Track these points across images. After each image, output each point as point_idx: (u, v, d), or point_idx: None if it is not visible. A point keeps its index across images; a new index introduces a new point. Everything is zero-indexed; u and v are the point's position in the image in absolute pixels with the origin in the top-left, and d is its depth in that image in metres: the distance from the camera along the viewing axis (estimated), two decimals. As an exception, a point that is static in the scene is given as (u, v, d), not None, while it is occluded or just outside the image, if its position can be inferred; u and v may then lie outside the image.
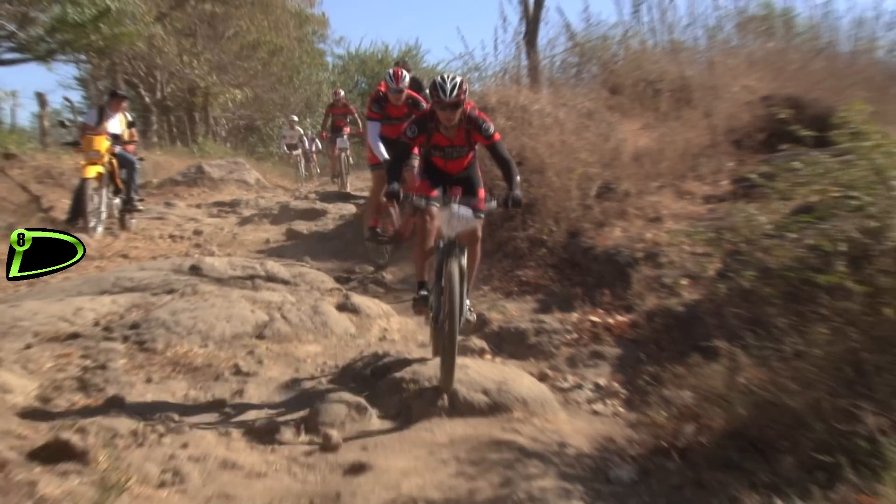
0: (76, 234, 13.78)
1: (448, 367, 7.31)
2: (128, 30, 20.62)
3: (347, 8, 66.49)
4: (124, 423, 7.16)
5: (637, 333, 8.82)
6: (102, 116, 16.12)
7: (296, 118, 26.16)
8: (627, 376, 8.26)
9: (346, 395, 7.74)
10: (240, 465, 6.71)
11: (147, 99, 28.77)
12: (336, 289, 11.33)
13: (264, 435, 7.24)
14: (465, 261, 7.69)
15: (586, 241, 10.59)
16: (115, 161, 15.58)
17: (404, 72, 10.98)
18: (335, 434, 7.17)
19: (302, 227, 16.79)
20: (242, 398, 7.83)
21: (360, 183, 22.28)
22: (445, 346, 7.32)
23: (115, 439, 6.83)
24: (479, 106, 8.11)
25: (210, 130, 30.34)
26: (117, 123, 15.97)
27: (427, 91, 10.77)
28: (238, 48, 31.02)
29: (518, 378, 7.96)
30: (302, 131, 25.09)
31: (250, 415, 7.55)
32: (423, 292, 8.20)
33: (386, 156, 10.93)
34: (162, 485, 6.28)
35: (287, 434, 7.27)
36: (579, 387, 8.18)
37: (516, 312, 9.78)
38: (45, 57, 20.87)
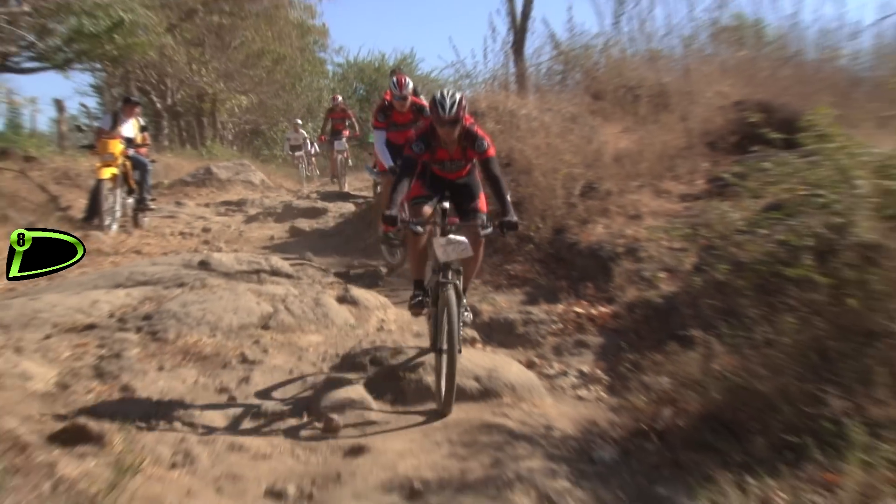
0: (92, 232, 13.93)
1: (449, 391, 7.07)
2: (140, 40, 20.60)
3: (346, 19, 66.42)
4: (138, 409, 7.18)
5: (618, 323, 8.84)
6: (116, 121, 16.10)
7: (300, 121, 26.12)
8: (609, 363, 8.27)
9: (346, 382, 7.76)
10: (246, 448, 6.72)
11: (158, 105, 28.73)
12: (336, 282, 11.33)
13: (269, 419, 7.26)
14: (460, 282, 7.49)
15: (571, 237, 10.60)
16: (128, 163, 15.58)
17: (407, 79, 10.92)
18: (336, 418, 7.19)
19: (304, 224, 16.79)
20: (249, 385, 7.82)
21: (358, 183, 22.29)
22: (446, 372, 7.05)
23: (130, 423, 6.82)
24: (472, 110, 8.01)
25: (217, 134, 30.33)
26: (131, 128, 15.98)
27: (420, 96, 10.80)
28: (244, 57, 30.98)
29: (507, 366, 7.97)
30: (306, 134, 25.06)
31: (256, 400, 7.56)
32: (419, 293, 7.94)
33: (391, 162, 10.86)
34: (173, 466, 6.29)
35: (291, 418, 7.29)
36: (564, 374, 8.19)
37: (505, 304, 9.79)
38: (62, 66, 20.83)
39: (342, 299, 10.21)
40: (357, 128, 24.08)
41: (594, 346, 8.63)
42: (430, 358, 7.96)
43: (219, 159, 24.94)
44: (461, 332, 7.34)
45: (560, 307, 9.35)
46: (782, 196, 7.71)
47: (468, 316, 8.17)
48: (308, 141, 25.41)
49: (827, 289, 6.54)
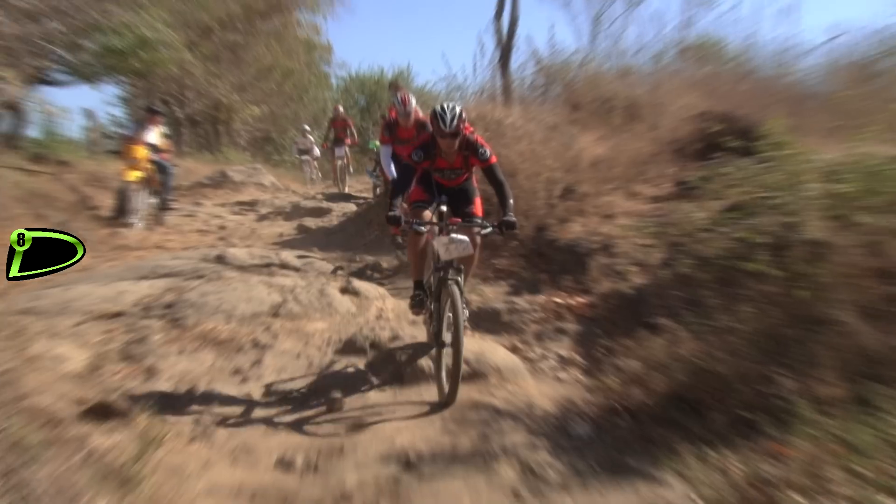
0: (119, 229, 13.94)
1: (453, 384, 6.78)
2: (162, 56, 20.67)
3: (348, 36, 66.44)
4: (161, 388, 7.23)
5: (594, 312, 8.86)
6: (141, 129, 16.20)
7: (308, 127, 26.08)
8: (585, 348, 8.29)
9: (348, 365, 7.81)
10: (258, 423, 6.77)
11: (179, 114, 28.66)
12: (339, 275, 11.34)
13: (279, 398, 7.30)
14: (461, 279, 7.16)
15: (551, 235, 10.61)
16: (152, 167, 15.63)
17: (411, 96, 10.87)
18: (339, 397, 7.23)
19: (310, 223, 16.78)
20: (260, 367, 7.85)
21: (359, 185, 22.27)
22: (453, 365, 6.76)
23: (154, 401, 6.85)
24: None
25: (232, 141, 30.24)
26: (154, 135, 16.02)
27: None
28: (256, 71, 30.93)
29: (493, 350, 8.00)
30: (313, 139, 25.06)
31: (267, 381, 7.59)
32: (419, 292, 7.71)
33: (395, 175, 10.83)
34: (193, 439, 6.33)
35: (298, 397, 7.34)
36: (545, 357, 8.21)
37: (492, 295, 9.80)
38: (92, 79, 20.97)
39: (345, 290, 10.22)
40: (356, 135, 24.09)
41: (572, 333, 8.65)
42: (420, 337, 8.00)
43: (233, 164, 24.90)
44: (465, 326, 7.09)
45: (541, 298, 9.36)
46: (741, 198, 7.76)
47: (465, 312, 7.83)
48: (315, 146, 25.41)
49: (780, 281, 6.62)
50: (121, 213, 14.89)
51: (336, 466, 6.01)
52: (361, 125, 29.69)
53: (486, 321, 8.99)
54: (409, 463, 6.03)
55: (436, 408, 7.02)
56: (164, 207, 16.27)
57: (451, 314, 6.80)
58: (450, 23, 67.12)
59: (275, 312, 9.23)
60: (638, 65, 16.23)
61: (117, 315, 8.93)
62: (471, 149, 7.29)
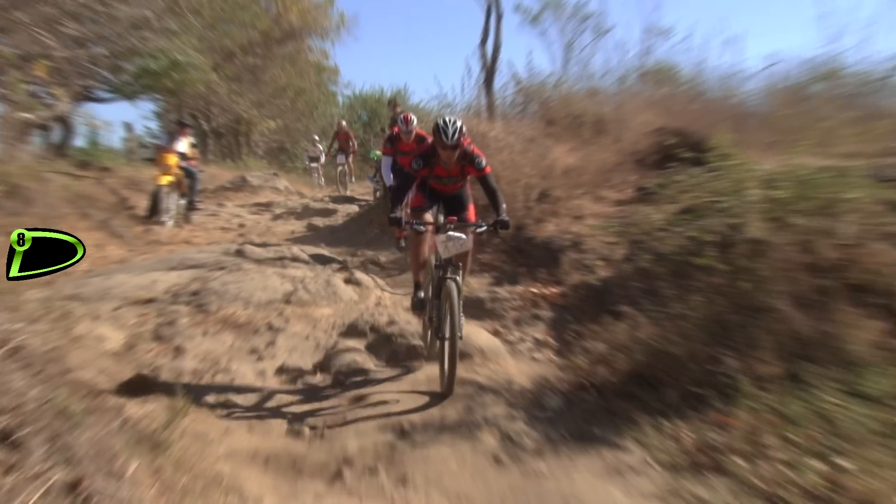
0: (152, 226, 13.94)
1: (451, 373, 6.50)
2: (191, 76, 20.70)
3: (354, 60, 66.55)
4: (187, 364, 7.25)
5: (565, 301, 8.85)
6: (172, 139, 16.27)
7: (317, 137, 26.05)
8: (558, 332, 8.29)
9: (350, 345, 7.81)
10: (272, 396, 6.78)
11: (205, 127, 28.62)
12: (343, 267, 11.32)
13: (290, 374, 7.30)
14: (460, 277, 6.82)
15: (529, 233, 10.59)
16: (181, 172, 15.64)
17: (412, 116, 10.85)
18: (343, 374, 7.24)
19: (318, 222, 16.75)
20: (274, 347, 7.84)
21: (361, 189, 22.26)
22: (448, 356, 6.49)
23: (181, 376, 6.88)
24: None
25: (251, 150, 30.22)
26: (183, 144, 16.04)
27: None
28: (272, 90, 30.86)
29: (478, 334, 8.00)
30: (322, 148, 25.03)
31: (280, 359, 7.59)
32: (420, 294, 7.34)
33: (391, 181, 10.79)
34: (215, 409, 6.33)
35: (307, 374, 7.34)
36: (522, 340, 8.20)
37: (476, 285, 9.77)
38: (131, 96, 21.06)
39: (348, 280, 10.21)
40: (356, 146, 24.24)
41: (546, 319, 8.65)
42: (416, 326, 8.00)
43: (252, 170, 24.84)
44: (461, 322, 6.74)
45: (520, 288, 9.36)
46: (692, 202, 7.78)
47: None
48: (323, 155, 25.37)
49: (725, 274, 6.65)
50: (154, 213, 14.94)
51: (339, 434, 6.03)
52: (363, 137, 29.60)
53: (472, 308, 8.97)
54: (403, 431, 6.06)
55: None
56: (191, 208, 16.28)
57: (449, 311, 6.52)
58: (441, 48, 67.28)
59: (287, 300, 9.23)
60: (604, 86, 16.24)
61: (150, 301, 8.99)
62: (468, 159, 7.01)
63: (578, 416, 6.36)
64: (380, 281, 10.47)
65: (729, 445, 5.39)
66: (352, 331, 8.27)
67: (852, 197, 6.71)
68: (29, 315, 5.57)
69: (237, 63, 27.14)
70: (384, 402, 6.68)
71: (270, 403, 6.67)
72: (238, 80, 28.89)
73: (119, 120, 53.45)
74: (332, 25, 29.55)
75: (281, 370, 7.38)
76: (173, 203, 15.44)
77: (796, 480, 4.93)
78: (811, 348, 6.03)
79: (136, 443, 4.87)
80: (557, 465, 5.53)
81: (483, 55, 18.13)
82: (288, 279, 9.85)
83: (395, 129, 11.10)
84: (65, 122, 19.77)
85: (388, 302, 9.53)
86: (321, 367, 7.49)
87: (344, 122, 25.28)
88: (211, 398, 6.58)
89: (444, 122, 6.72)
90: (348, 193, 21.65)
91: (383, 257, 11.77)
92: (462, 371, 6.96)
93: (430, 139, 10.02)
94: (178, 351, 7.59)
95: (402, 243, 11.17)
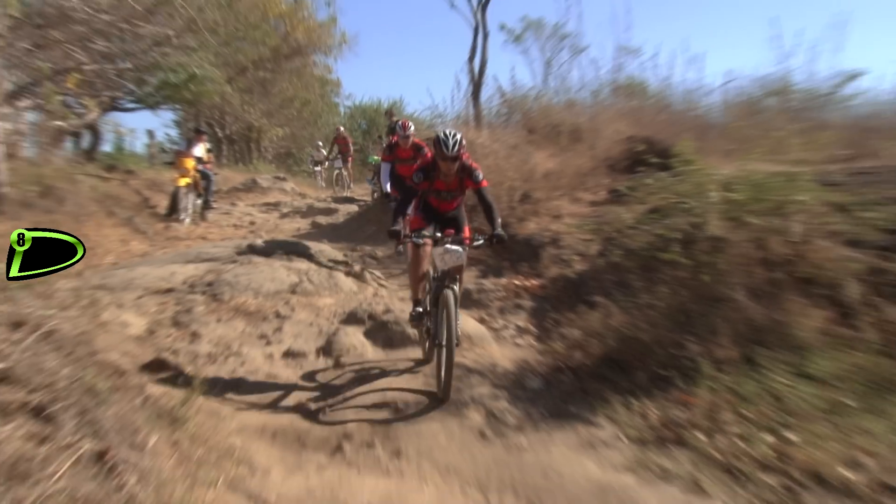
0: (172, 224, 13.93)
1: (448, 379, 6.09)
2: (208, 88, 20.70)
3: (354, 74, 66.64)
4: (202, 348, 7.25)
5: (544, 292, 8.86)
6: (190, 145, 16.36)
7: (321, 143, 25.98)
8: (538, 320, 8.30)
9: (350, 332, 7.81)
10: (279, 376, 6.81)
11: (219, 134, 28.55)
12: (344, 261, 11.31)
13: (295, 357, 7.31)
14: (457, 287, 6.47)
15: (511, 231, 10.52)
16: (198, 175, 15.65)
17: (410, 124, 10.79)
18: (343, 357, 7.27)
19: (322, 220, 16.72)
20: (281, 333, 7.83)
21: (360, 191, 22.22)
22: (445, 362, 6.09)
23: (197, 359, 6.90)
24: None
25: (261, 155, 30.15)
26: (200, 150, 16.08)
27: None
28: (280, 101, 30.76)
29: (465, 322, 7.96)
30: (325, 153, 25.00)
31: (286, 343, 7.58)
32: (419, 309, 6.92)
33: (388, 188, 10.75)
34: (227, 388, 6.34)
35: (311, 357, 7.35)
36: (506, 327, 8.20)
37: (465, 279, 9.78)
38: (153, 106, 21.10)
39: (348, 273, 10.22)
40: (351, 150, 24.25)
41: (527, 308, 8.66)
42: (407, 312, 8.01)
43: (261, 173, 24.77)
44: (458, 330, 6.33)
45: (503, 280, 9.37)
46: (659, 203, 7.79)
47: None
48: (326, 159, 25.34)
49: (688, 268, 6.68)
50: (173, 211, 14.95)
51: (339, 412, 6.05)
52: (363, 144, 29.56)
53: (460, 299, 8.99)
54: (397, 409, 6.09)
55: (420, 363, 7.06)
56: (206, 207, 16.26)
57: (446, 319, 6.17)
58: (433, 64, 67.32)
59: (293, 290, 9.22)
60: (580, 99, 16.25)
61: (169, 291, 8.98)
62: (466, 172, 6.63)
63: (556, 395, 6.39)
64: (377, 273, 10.46)
65: (690, 421, 5.44)
66: (351, 318, 8.27)
67: (800, 199, 6.75)
68: (60, 302, 5.58)
69: (249, 76, 27.06)
70: (380, 383, 6.70)
71: (277, 384, 6.66)
72: (250, 92, 28.84)
73: (142, 127, 53.46)
74: (334, 43, 29.43)
75: (287, 354, 7.38)
76: (191, 202, 15.44)
77: (750, 452, 4.99)
78: (764, 334, 6.08)
79: (157, 418, 4.89)
80: (537, 440, 5.56)
81: (471, 70, 18.24)
82: (294, 271, 9.82)
83: (395, 138, 11.03)
84: (94, 129, 19.99)
85: (384, 293, 9.53)
86: (323, 350, 7.48)
87: (342, 129, 25.25)
88: (224, 378, 6.59)
89: (445, 134, 6.41)
90: (348, 194, 21.62)
91: (380, 252, 11.76)
92: (451, 355, 6.98)
93: (426, 147, 10.04)
94: (195, 336, 7.58)
95: (400, 248, 11.02)
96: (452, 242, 6.36)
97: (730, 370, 5.83)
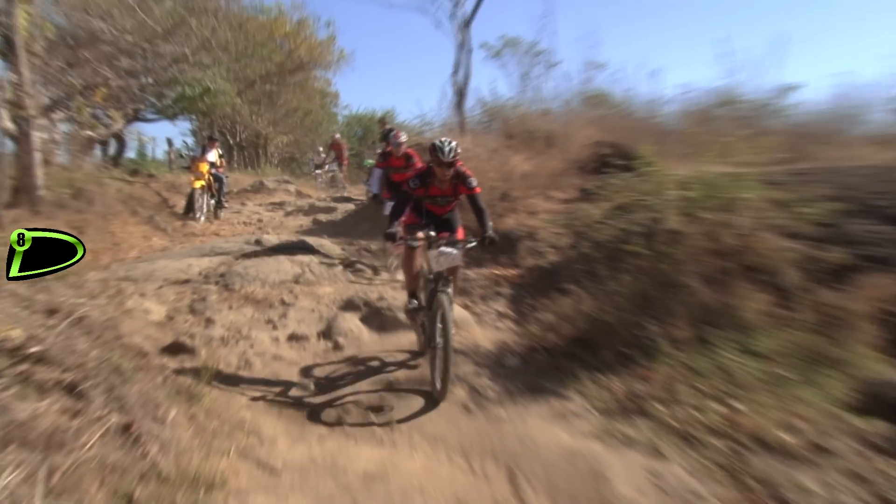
0: (188, 221, 13.90)
1: (444, 380, 5.69)
2: (220, 101, 20.81)
3: (351, 87, 66.55)
4: (216, 332, 7.23)
5: (522, 280, 8.87)
6: (204, 151, 16.29)
7: (321, 148, 25.92)
8: (516, 306, 8.31)
9: (348, 317, 7.81)
10: (284, 357, 6.79)
11: (231, 141, 28.45)
12: (343, 254, 11.28)
13: (299, 340, 7.29)
14: (451, 289, 6.09)
15: (492, 226, 10.59)
16: (211, 178, 15.64)
17: (403, 134, 10.72)
18: (342, 340, 7.25)
19: (322, 217, 16.64)
20: (286, 318, 7.82)
21: (356, 191, 22.11)
22: (441, 363, 5.74)
23: (211, 342, 6.88)
24: (429, 146, 7.59)
25: (268, 160, 30.06)
26: (213, 155, 16.06)
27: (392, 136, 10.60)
28: (285, 111, 30.69)
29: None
30: (325, 157, 24.93)
31: (290, 328, 7.57)
32: (414, 301, 6.65)
33: (377, 191, 10.64)
34: (238, 368, 6.36)
35: (312, 340, 7.33)
36: (487, 312, 8.21)
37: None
38: (172, 117, 21.30)
39: (345, 265, 10.21)
40: (346, 154, 24.41)
41: (506, 295, 8.67)
42: (401, 301, 8.01)
43: (268, 176, 24.64)
44: (452, 331, 5.90)
45: (485, 270, 9.36)
46: (623, 200, 7.83)
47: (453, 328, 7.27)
48: (329, 163, 25.27)
49: (649, 258, 6.72)
50: (189, 210, 14.95)
51: (338, 388, 6.06)
52: (359, 149, 29.52)
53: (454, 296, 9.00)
54: (390, 385, 6.10)
55: (414, 355, 6.91)
56: (219, 206, 16.21)
57: (441, 322, 5.82)
58: (422, 77, 67.24)
59: (296, 280, 9.21)
60: (553, 108, 16.24)
61: (186, 281, 8.98)
62: (461, 178, 6.35)
63: (532, 372, 6.42)
64: (372, 264, 10.45)
65: (650, 394, 5.49)
66: (349, 305, 8.26)
67: (746, 196, 6.83)
68: (90, 292, 5.59)
69: (257, 89, 27.01)
70: (375, 363, 6.73)
71: (282, 363, 6.66)
72: (258, 103, 28.80)
73: (162, 136, 53.37)
74: (333, 59, 29.39)
75: (292, 337, 7.36)
76: (205, 202, 15.41)
77: (702, 420, 5.05)
78: (715, 316, 6.14)
79: (175, 394, 4.92)
80: (514, 412, 5.59)
81: (455, 83, 18.16)
82: (297, 263, 9.81)
83: (389, 147, 10.97)
84: (119, 138, 20.15)
85: (378, 282, 9.53)
86: (324, 334, 7.47)
87: (338, 136, 25.24)
88: (235, 359, 6.57)
89: (441, 141, 6.17)
90: (345, 194, 21.56)
91: (374, 246, 11.74)
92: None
93: (416, 157, 10.00)
94: (209, 322, 7.57)
95: (395, 262, 10.67)
96: (447, 244, 6.09)
97: (685, 348, 5.89)
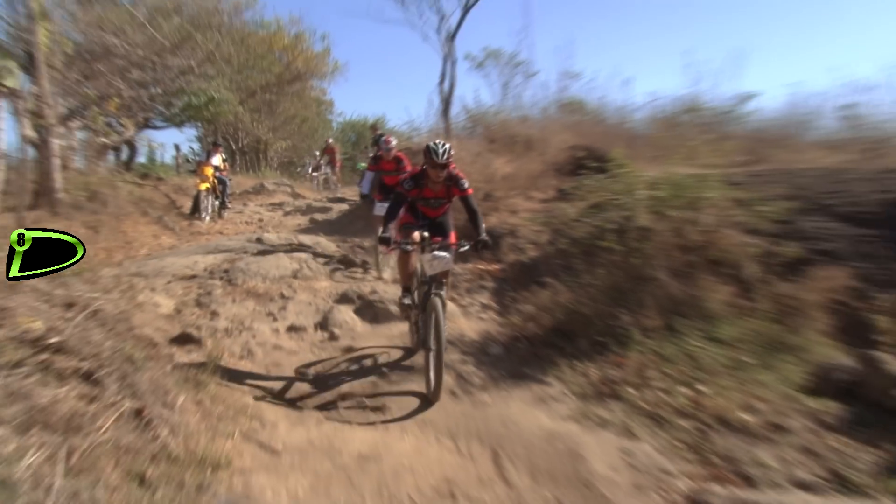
0: (194, 221, 13.86)
1: (437, 382, 5.40)
2: (223, 109, 20.87)
3: (345, 95, 66.53)
4: (220, 324, 7.21)
5: (504, 275, 8.87)
6: (209, 156, 16.39)
7: (317, 153, 25.86)
8: (499, 298, 8.31)
9: (343, 309, 7.79)
10: (283, 347, 6.77)
11: (233, 146, 28.36)
12: (337, 251, 11.26)
13: (297, 331, 7.27)
14: (444, 292, 5.79)
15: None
16: (216, 181, 15.62)
17: (393, 139, 10.65)
18: (337, 331, 7.23)
19: (318, 217, 16.57)
20: (285, 311, 7.80)
21: (350, 192, 22.04)
22: (434, 366, 5.43)
23: (216, 333, 6.86)
24: (417, 150, 7.51)
25: (268, 164, 29.96)
26: (217, 160, 16.11)
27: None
28: (284, 118, 30.59)
29: (439, 299, 8.03)
30: (322, 161, 24.88)
31: (289, 320, 7.54)
32: (407, 299, 6.28)
33: (366, 191, 10.61)
34: (241, 357, 6.35)
35: (310, 331, 7.31)
36: (472, 304, 8.21)
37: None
38: (179, 124, 21.47)
39: (340, 260, 10.19)
40: (338, 158, 24.46)
41: (490, 288, 8.67)
42: (394, 294, 8.01)
43: (268, 179, 24.52)
44: (445, 335, 5.57)
45: (470, 265, 9.35)
46: (597, 199, 7.83)
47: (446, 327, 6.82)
48: (323, 166, 25.22)
49: (621, 253, 6.74)
50: (195, 211, 14.92)
51: (334, 376, 6.05)
52: (352, 153, 29.46)
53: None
54: (382, 372, 6.09)
55: (407, 351, 6.67)
56: (223, 207, 16.19)
57: (434, 326, 5.47)
58: (410, 86, 67.16)
59: (294, 275, 9.19)
60: (532, 114, 16.24)
61: (193, 277, 8.96)
62: (454, 180, 6.07)
63: (514, 360, 6.43)
64: (365, 260, 10.43)
65: (623, 379, 5.52)
66: (344, 298, 8.25)
67: (710, 196, 6.87)
68: (104, 287, 5.57)
69: (258, 98, 26.90)
70: (368, 352, 6.70)
71: (282, 352, 6.64)
72: (258, 111, 28.71)
73: (170, 142, 53.27)
74: (328, 70, 29.22)
75: (290, 328, 7.33)
76: (210, 203, 15.38)
77: (670, 402, 5.09)
78: (681, 306, 6.18)
79: (184, 381, 4.92)
80: (498, 396, 5.60)
81: (441, 91, 18.17)
82: (295, 260, 9.79)
83: (381, 151, 10.91)
84: (131, 144, 20.25)
85: (370, 278, 9.52)
86: (320, 325, 7.45)
87: (331, 141, 25.25)
88: (238, 349, 6.55)
89: (435, 143, 5.91)
90: (339, 195, 21.48)
91: (367, 243, 11.71)
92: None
93: (406, 160, 9.95)
94: (214, 314, 7.53)
95: (385, 265, 10.45)
96: (440, 249, 5.80)
97: (655, 336, 5.92)
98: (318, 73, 29.25)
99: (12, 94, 8.19)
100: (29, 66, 10.54)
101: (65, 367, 3.60)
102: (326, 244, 11.42)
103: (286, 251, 10.49)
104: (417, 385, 5.77)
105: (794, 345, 5.70)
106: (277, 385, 5.77)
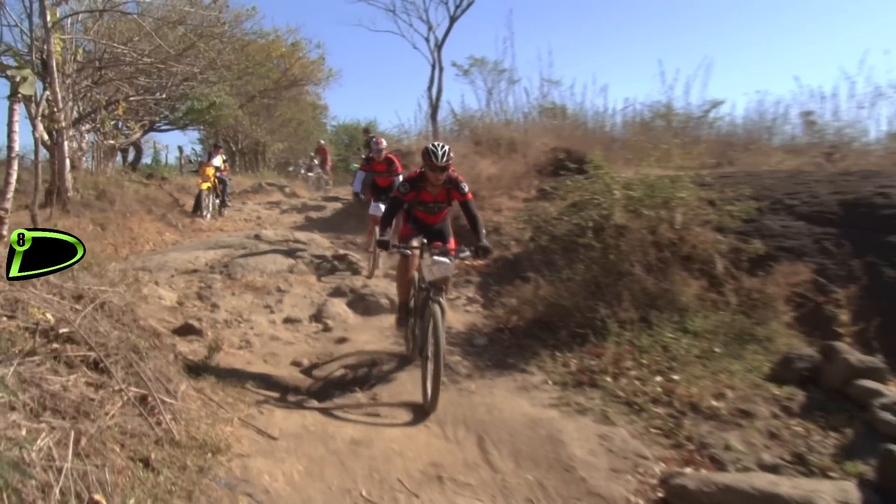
0: (196, 219, 13.79)
1: (435, 391, 4.93)
2: (224, 113, 20.84)
3: (338, 100, 66.63)
4: (220, 316, 7.17)
5: (489, 270, 8.86)
6: (210, 157, 16.34)
7: (312, 154, 25.78)
8: (483, 292, 8.31)
9: (336, 302, 7.76)
10: (280, 338, 6.73)
11: (233, 148, 28.23)
12: (331, 247, 11.23)
13: (293, 322, 7.23)
14: (443, 298, 5.30)
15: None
16: (216, 180, 15.55)
17: (383, 140, 10.56)
18: (330, 323, 7.20)
19: (313, 215, 16.48)
20: (282, 303, 7.76)
21: (343, 192, 21.98)
22: (432, 374, 4.98)
23: (216, 324, 6.83)
24: (406, 151, 7.44)
25: (266, 164, 29.87)
26: (218, 160, 16.00)
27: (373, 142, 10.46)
28: (281, 122, 30.51)
29: (427, 293, 8.00)
30: (316, 161, 24.82)
31: (286, 312, 7.51)
32: (404, 311, 5.90)
33: (357, 190, 10.51)
34: (240, 347, 6.30)
35: (305, 322, 7.28)
36: (458, 298, 8.20)
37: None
38: (182, 127, 21.61)
39: (334, 256, 10.15)
40: (330, 159, 24.62)
41: (475, 283, 8.66)
42: (385, 288, 7.99)
43: (266, 178, 24.43)
44: (444, 342, 5.12)
45: (456, 261, 9.29)
46: (577, 199, 7.82)
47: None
48: (316, 166, 25.15)
49: (599, 249, 6.72)
50: (197, 209, 14.80)
51: (328, 365, 6.02)
52: (345, 154, 29.37)
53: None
54: (374, 363, 6.05)
55: (402, 360, 6.14)
56: (223, 205, 16.10)
57: (433, 333, 5.06)
58: (400, 92, 67.16)
59: (290, 270, 9.15)
60: (515, 118, 16.25)
61: (194, 271, 8.92)
62: (453, 183, 5.56)
63: (498, 350, 6.41)
64: (358, 255, 10.38)
65: (601, 368, 5.52)
66: (337, 292, 8.21)
67: (681, 196, 6.91)
68: (111, 280, 5.57)
69: (256, 103, 26.76)
70: (359, 342, 6.67)
71: (279, 343, 6.59)
72: (257, 115, 28.67)
73: (174, 144, 53.14)
74: (323, 76, 29.09)
75: (287, 320, 7.29)
76: (211, 202, 15.28)
77: (645, 390, 5.10)
78: (656, 300, 6.20)
79: (186, 370, 4.92)
80: (483, 385, 5.58)
81: (429, 97, 18.27)
82: (291, 256, 9.76)
83: (372, 154, 10.81)
84: (137, 146, 20.65)
85: (363, 273, 9.49)
86: (315, 317, 7.41)
87: (323, 142, 25.29)
88: (237, 339, 6.47)
89: (434, 146, 5.39)
90: (331, 194, 21.41)
91: (359, 240, 11.67)
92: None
93: (396, 161, 9.88)
94: (214, 306, 7.48)
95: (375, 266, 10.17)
96: (440, 254, 5.29)
97: (630, 328, 5.92)
98: (314, 79, 29.16)
99: (27, 100, 8.24)
100: (43, 73, 10.59)
101: (74, 356, 3.60)
102: (321, 241, 11.38)
103: (283, 247, 10.44)
104: (408, 374, 5.75)
105: (761, 336, 5.75)
106: (274, 374, 5.72)
